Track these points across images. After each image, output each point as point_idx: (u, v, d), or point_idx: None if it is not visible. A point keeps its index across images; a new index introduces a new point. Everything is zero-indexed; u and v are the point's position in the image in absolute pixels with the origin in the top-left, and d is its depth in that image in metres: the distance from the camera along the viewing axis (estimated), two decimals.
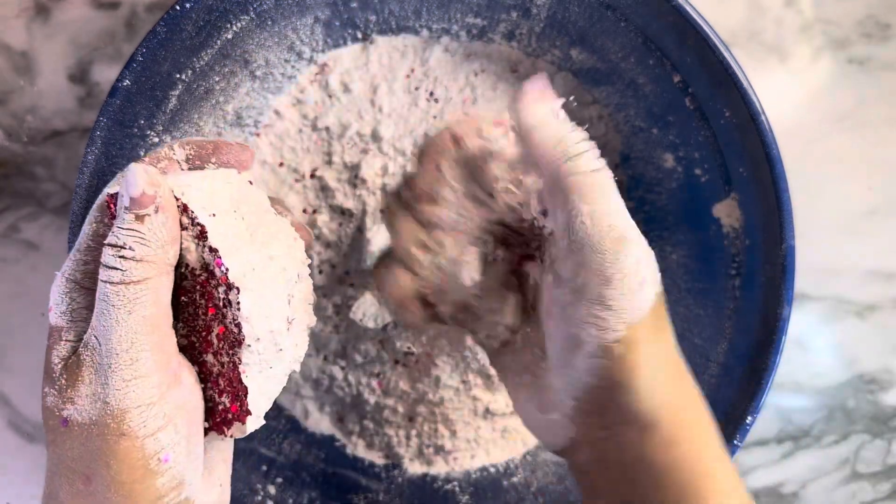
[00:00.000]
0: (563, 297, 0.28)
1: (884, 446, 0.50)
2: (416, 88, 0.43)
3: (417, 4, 0.41)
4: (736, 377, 0.38)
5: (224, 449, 0.30)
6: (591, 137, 0.44)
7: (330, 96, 0.43)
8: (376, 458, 0.45)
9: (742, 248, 0.39)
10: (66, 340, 0.27)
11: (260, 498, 0.42)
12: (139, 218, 0.26)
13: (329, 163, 0.43)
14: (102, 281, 0.25)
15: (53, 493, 0.26)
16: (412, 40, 0.43)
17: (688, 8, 0.35)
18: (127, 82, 0.36)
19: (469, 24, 0.42)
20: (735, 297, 0.39)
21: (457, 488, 0.44)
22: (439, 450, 0.44)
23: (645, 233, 0.44)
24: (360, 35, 0.42)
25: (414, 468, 0.44)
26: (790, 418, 0.49)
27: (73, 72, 0.46)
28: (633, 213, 0.44)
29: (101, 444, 0.25)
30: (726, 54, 0.36)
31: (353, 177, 0.42)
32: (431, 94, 0.43)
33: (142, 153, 0.38)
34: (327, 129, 0.43)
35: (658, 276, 0.28)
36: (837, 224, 0.49)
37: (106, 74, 0.46)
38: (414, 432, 0.44)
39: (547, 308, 0.30)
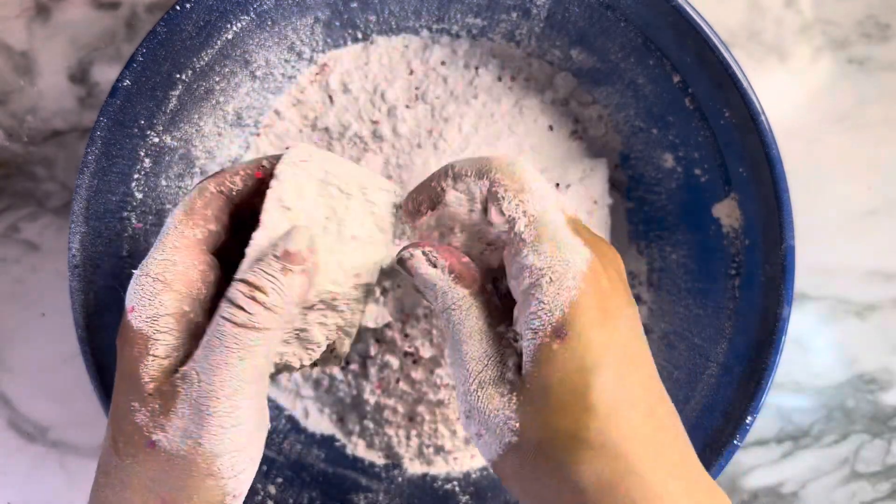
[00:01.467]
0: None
1: (883, 446, 0.50)
2: (417, 88, 0.43)
3: (417, 4, 0.41)
4: (736, 377, 0.38)
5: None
6: (591, 137, 0.44)
7: (330, 96, 0.43)
8: (376, 458, 0.45)
9: (742, 248, 0.39)
10: (153, 356, 0.26)
11: (260, 498, 0.42)
12: (285, 270, 0.26)
13: None
14: (223, 317, 0.25)
15: (125, 501, 0.26)
16: (412, 40, 0.43)
17: (688, 8, 0.35)
18: (127, 82, 0.36)
19: (469, 24, 0.42)
20: (735, 297, 0.39)
21: (457, 488, 0.44)
22: (439, 450, 0.44)
23: (645, 233, 0.44)
24: (360, 35, 0.42)
25: (414, 468, 0.44)
26: (790, 418, 0.49)
27: (73, 72, 0.46)
28: (633, 213, 0.44)
29: (185, 478, 0.25)
30: (726, 54, 0.36)
31: None
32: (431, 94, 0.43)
33: (142, 153, 0.38)
34: (327, 129, 0.43)
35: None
36: (837, 224, 0.49)
37: (106, 74, 0.46)
38: (414, 432, 0.44)
39: None
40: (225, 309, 0.25)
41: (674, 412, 0.26)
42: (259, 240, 0.27)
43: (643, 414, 0.25)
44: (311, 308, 0.29)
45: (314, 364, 0.32)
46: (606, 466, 0.24)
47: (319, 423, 0.45)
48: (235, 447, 0.26)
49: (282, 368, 0.30)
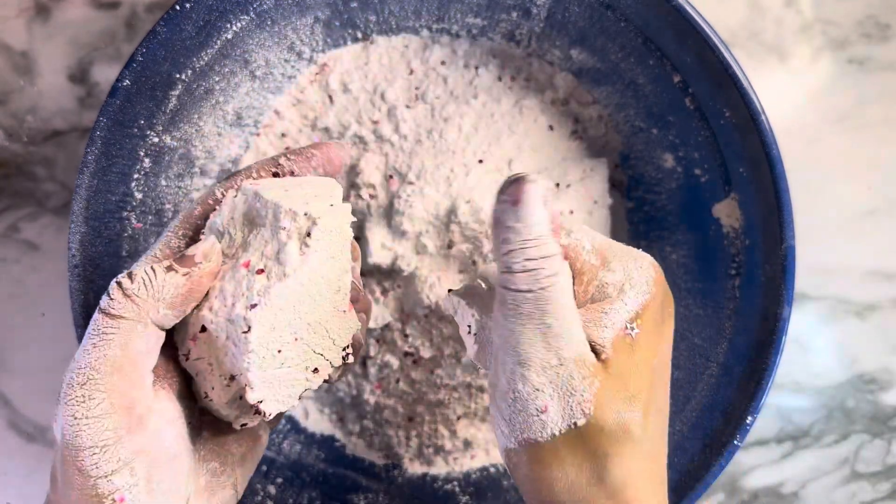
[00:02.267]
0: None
1: (883, 446, 0.50)
2: (417, 88, 0.43)
3: (417, 4, 0.41)
4: (736, 377, 0.38)
5: (230, 475, 0.30)
6: (591, 137, 0.44)
7: (330, 96, 0.43)
8: (376, 458, 0.45)
9: (742, 248, 0.39)
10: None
11: (260, 498, 0.42)
12: (168, 269, 0.26)
13: None
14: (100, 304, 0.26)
15: (49, 493, 0.27)
16: (412, 40, 0.43)
17: (688, 8, 0.35)
18: (127, 82, 0.36)
19: (469, 24, 0.42)
20: (735, 297, 0.39)
21: (457, 488, 0.44)
22: (439, 450, 0.44)
23: (645, 233, 0.44)
24: (360, 35, 0.42)
25: (414, 468, 0.44)
26: (790, 418, 0.49)
27: (73, 72, 0.46)
28: (633, 213, 0.44)
29: (67, 472, 0.25)
30: (726, 54, 0.36)
31: (353, 176, 0.42)
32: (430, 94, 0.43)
33: (142, 153, 0.38)
34: (327, 129, 0.43)
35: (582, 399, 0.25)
36: (837, 224, 0.49)
37: (106, 74, 0.46)
38: (414, 433, 0.44)
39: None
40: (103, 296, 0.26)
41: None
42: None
43: (661, 417, 0.27)
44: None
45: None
46: (643, 463, 0.26)
47: (319, 423, 0.45)
48: (94, 441, 0.24)
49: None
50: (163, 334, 0.27)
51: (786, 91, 0.48)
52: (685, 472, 0.38)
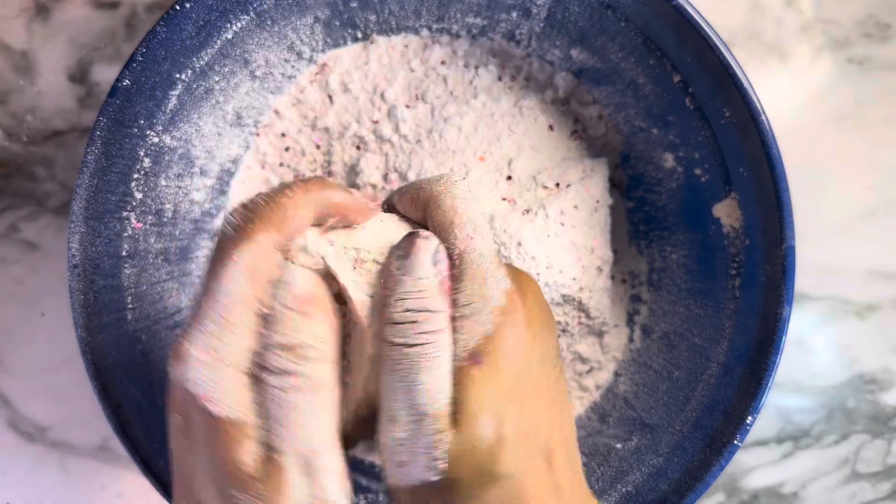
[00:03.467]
0: None
1: (884, 446, 0.50)
2: (416, 88, 0.43)
3: (417, 4, 0.41)
4: (736, 377, 0.38)
5: None
6: (591, 137, 0.44)
7: (330, 96, 0.43)
8: (376, 458, 0.45)
9: (742, 248, 0.39)
10: (249, 438, 0.25)
11: None
12: (305, 314, 0.25)
13: (329, 163, 0.43)
14: (276, 388, 0.24)
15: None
16: (412, 40, 0.43)
17: (688, 8, 0.35)
18: (127, 82, 0.36)
19: (469, 24, 0.42)
20: (735, 297, 0.39)
21: None
22: None
23: (645, 233, 0.44)
24: (360, 35, 0.42)
25: None
26: (790, 418, 0.49)
27: (73, 72, 0.46)
28: (633, 212, 0.44)
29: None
30: (726, 54, 0.36)
31: (353, 177, 0.42)
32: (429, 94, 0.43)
33: (141, 153, 0.38)
34: (327, 129, 0.43)
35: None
36: (837, 224, 0.49)
37: (106, 74, 0.46)
38: None
39: None
40: (276, 379, 0.24)
41: (569, 439, 0.28)
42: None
43: (540, 447, 0.26)
44: None
45: None
46: (507, 498, 0.25)
47: None
48: (344, 494, 0.25)
49: None
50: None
51: (786, 91, 0.48)
52: (685, 472, 0.38)
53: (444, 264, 0.26)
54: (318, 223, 0.27)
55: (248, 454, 0.24)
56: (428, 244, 0.26)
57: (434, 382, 0.25)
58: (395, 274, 0.26)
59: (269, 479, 0.24)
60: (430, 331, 0.25)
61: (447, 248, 0.27)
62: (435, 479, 0.24)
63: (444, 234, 0.27)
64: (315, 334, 0.25)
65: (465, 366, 0.25)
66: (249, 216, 0.25)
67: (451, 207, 0.27)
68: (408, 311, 0.25)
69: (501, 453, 0.25)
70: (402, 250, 0.26)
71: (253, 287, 0.25)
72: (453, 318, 0.26)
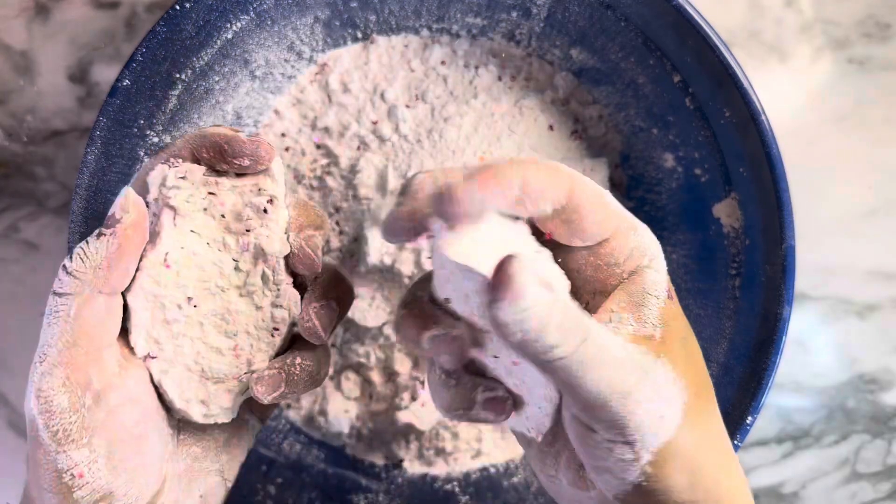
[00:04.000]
0: (574, 426, 0.25)
1: (884, 446, 0.50)
2: (416, 88, 0.43)
3: (417, 4, 0.41)
4: (736, 377, 0.38)
5: (214, 461, 0.30)
6: (591, 137, 0.44)
7: (330, 96, 0.43)
8: (376, 458, 0.45)
9: (742, 248, 0.39)
10: None
11: (260, 498, 0.42)
12: (99, 235, 0.26)
13: (329, 163, 0.43)
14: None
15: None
16: (412, 40, 0.43)
17: (688, 8, 0.35)
18: (127, 82, 0.36)
19: (469, 24, 0.42)
20: (735, 297, 0.39)
21: (457, 488, 0.44)
22: (439, 450, 0.44)
23: None
24: (360, 35, 0.42)
25: (414, 468, 0.44)
26: (790, 418, 0.49)
27: (73, 72, 0.46)
28: (633, 212, 0.44)
29: (32, 449, 0.26)
30: (726, 54, 0.36)
31: (353, 176, 0.42)
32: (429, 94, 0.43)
33: (141, 153, 0.38)
34: (327, 128, 0.43)
35: (689, 372, 0.25)
36: (837, 224, 0.49)
37: (106, 74, 0.46)
38: (414, 433, 0.44)
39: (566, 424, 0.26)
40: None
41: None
42: None
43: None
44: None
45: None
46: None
47: None
48: (52, 417, 0.25)
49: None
50: (117, 303, 0.27)
51: (786, 91, 0.48)
52: None
53: (543, 266, 0.24)
54: (208, 163, 0.28)
55: None
56: (522, 269, 0.20)
57: (616, 371, 0.23)
58: (511, 325, 0.21)
59: None
60: (585, 333, 0.22)
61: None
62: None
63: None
64: (85, 252, 0.26)
65: (668, 305, 0.25)
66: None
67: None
68: (557, 341, 0.21)
69: (687, 491, 0.24)
70: (497, 294, 0.20)
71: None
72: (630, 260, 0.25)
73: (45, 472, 0.26)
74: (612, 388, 0.22)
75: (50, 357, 0.25)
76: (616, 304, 0.25)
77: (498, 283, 0.20)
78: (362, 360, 0.43)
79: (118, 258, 0.26)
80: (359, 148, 0.42)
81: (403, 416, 0.42)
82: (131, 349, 0.28)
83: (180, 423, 0.30)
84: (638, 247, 0.25)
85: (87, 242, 0.26)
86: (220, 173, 0.28)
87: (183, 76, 0.37)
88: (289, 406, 0.45)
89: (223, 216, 0.28)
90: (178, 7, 0.35)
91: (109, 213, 0.27)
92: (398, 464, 0.44)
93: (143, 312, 0.28)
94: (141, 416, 0.27)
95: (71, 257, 0.26)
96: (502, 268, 0.20)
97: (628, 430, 0.23)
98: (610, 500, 0.25)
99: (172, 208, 0.28)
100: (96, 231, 0.27)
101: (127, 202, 0.27)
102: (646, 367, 0.23)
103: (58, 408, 0.25)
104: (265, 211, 0.28)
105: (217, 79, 0.39)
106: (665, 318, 0.25)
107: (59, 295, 0.26)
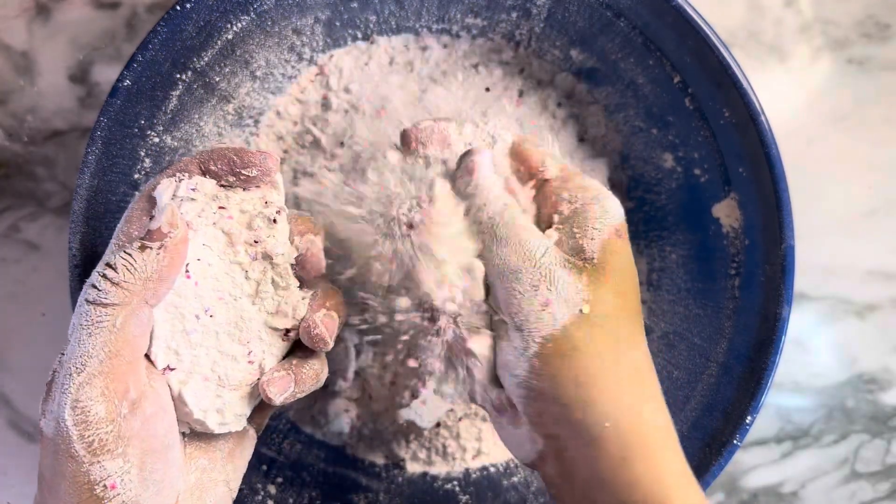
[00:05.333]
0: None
1: (883, 446, 0.50)
2: (417, 88, 0.43)
3: (417, 5, 0.41)
4: (736, 377, 0.38)
5: (220, 472, 0.30)
6: (592, 137, 0.44)
7: (330, 97, 0.43)
8: (376, 458, 0.45)
9: (742, 248, 0.39)
10: (61, 353, 0.27)
11: (260, 498, 0.42)
12: (143, 248, 0.26)
13: (328, 163, 0.43)
14: (82, 298, 0.26)
15: (37, 494, 0.27)
16: (412, 40, 0.43)
17: (688, 8, 0.36)
18: (127, 82, 0.36)
19: (469, 25, 0.42)
20: (735, 296, 0.39)
21: (457, 488, 0.44)
22: (440, 450, 0.44)
23: (645, 233, 0.44)
24: (360, 35, 0.42)
25: (414, 468, 0.44)
26: (790, 418, 0.50)
27: (73, 72, 0.46)
28: (633, 213, 0.44)
29: (57, 462, 0.25)
30: (726, 54, 0.36)
31: (352, 176, 0.42)
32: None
33: (142, 153, 0.38)
34: (327, 129, 0.43)
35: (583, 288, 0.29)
36: (837, 224, 0.49)
37: (106, 74, 0.46)
38: (414, 433, 0.44)
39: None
40: (83, 290, 0.26)
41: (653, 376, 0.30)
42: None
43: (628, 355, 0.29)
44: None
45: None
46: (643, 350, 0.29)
47: None
48: (88, 428, 0.25)
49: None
50: (153, 316, 0.28)
51: (785, 91, 0.48)
52: None
53: (501, 165, 0.32)
54: (216, 177, 0.29)
55: (55, 365, 0.28)
56: (484, 157, 0.31)
57: (533, 234, 0.29)
58: (467, 191, 0.30)
59: (48, 386, 0.27)
60: (514, 213, 0.30)
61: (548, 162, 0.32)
62: (585, 309, 0.28)
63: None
64: (133, 264, 0.26)
65: (612, 237, 0.29)
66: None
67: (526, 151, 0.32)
68: (489, 217, 0.30)
69: (584, 402, 0.27)
70: (464, 170, 0.31)
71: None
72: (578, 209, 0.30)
73: (72, 485, 0.25)
74: (510, 264, 0.29)
75: (90, 367, 0.25)
76: (563, 225, 0.30)
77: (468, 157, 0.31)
78: (362, 361, 0.43)
79: (169, 271, 0.27)
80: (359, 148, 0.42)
81: (404, 415, 0.42)
82: (151, 361, 0.28)
83: (187, 437, 0.30)
84: (582, 185, 0.31)
85: (130, 255, 0.26)
86: (226, 188, 0.29)
87: (183, 76, 0.37)
88: (289, 406, 0.45)
89: (230, 229, 0.29)
90: (178, 7, 0.35)
91: (152, 227, 0.27)
92: (398, 463, 0.44)
93: (164, 324, 0.28)
94: (170, 425, 0.28)
95: (112, 267, 0.26)
96: (471, 152, 0.31)
97: (512, 308, 0.28)
98: (531, 435, 0.29)
99: (186, 223, 0.28)
100: (136, 244, 0.27)
101: (174, 217, 0.27)
102: (550, 264, 0.28)
103: (94, 418, 0.25)
104: (274, 221, 0.29)
105: (217, 79, 0.39)
106: (606, 249, 0.29)
107: (103, 305, 0.26)
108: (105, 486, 0.25)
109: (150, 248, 0.26)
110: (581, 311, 0.28)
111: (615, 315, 0.28)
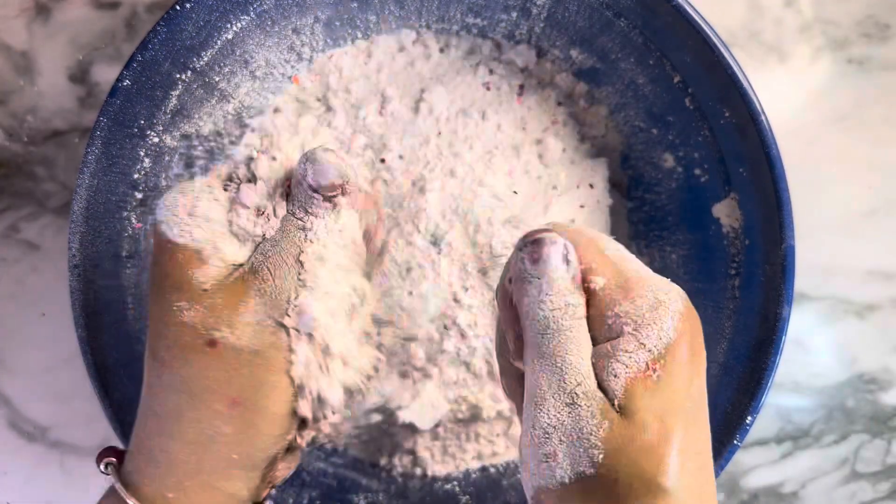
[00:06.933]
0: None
1: (883, 446, 0.50)
2: (417, 88, 0.43)
3: (417, 4, 0.41)
4: (736, 377, 0.38)
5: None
6: (591, 137, 0.44)
7: (330, 97, 0.43)
8: (376, 458, 0.45)
9: (742, 248, 0.39)
10: (203, 262, 0.26)
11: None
12: (328, 199, 0.29)
13: None
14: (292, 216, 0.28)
15: (173, 412, 0.25)
16: (412, 40, 0.43)
17: (688, 8, 0.36)
18: (127, 82, 0.36)
19: (469, 24, 0.42)
20: (735, 296, 0.39)
21: (457, 488, 0.44)
22: (440, 450, 0.44)
23: (645, 233, 0.44)
24: (360, 35, 0.42)
25: (414, 468, 0.44)
26: (790, 418, 0.49)
27: (73, 72, 0.46)
28: (633, 213, 0.44)
29: (261, 375, 0.25)
30: (726, 54, 0.36)
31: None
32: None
33: (142, 153, 0.38)
34: (327, 129, 0.43)
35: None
36: (837, 224, 0.49)
37: (106, 74, 0.46)
38: (414, 433, 0.44)
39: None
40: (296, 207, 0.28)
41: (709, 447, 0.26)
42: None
43: (700, 462, 0.25)
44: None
45: None
46: None
47: None
48: (316, 324, 0.26)
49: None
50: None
51: (786, 91, 0.48)
52: None
53: (575, 262, 0.26)
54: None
55: (203, 273, 0.26)
56: (557, 246, 0.26)
57: (582, 363, 0.24)
58: (529, 276, 0.26)
59: (226, 296, 0.25)
60: (573, 319, 0.25)
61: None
62: (590, 471, 0.23)
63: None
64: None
65: (642, 376, 0.24)
66: None
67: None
68: (553, 309, 0.25)
69: (666, 459, 0.23)
70: (531, 254, 0.26)
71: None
72: (631, 326, 0.25)
73: (282, 396, 0.26)
74: (541, 384, 0.25)
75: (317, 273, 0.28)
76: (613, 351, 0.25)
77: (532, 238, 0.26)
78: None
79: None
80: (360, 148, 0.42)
81: (403, 416, 0.42)
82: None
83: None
84: (635, 297, 0.26)
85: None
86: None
87: (183, 76, 0.37)
88: None
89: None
90: (178, 7, 0.35)
91: (324, 183, 0.28)
92: (398, 463, 0.44)
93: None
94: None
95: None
96: (541, 233, 0.26)
97: (521, 441, 0.25)
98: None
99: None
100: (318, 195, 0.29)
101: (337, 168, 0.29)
102: (577, 414, 0.24)
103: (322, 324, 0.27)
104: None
105: (217, 79, 0.39)
106: (636, 393, 0.24)
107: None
108: (302, 416, 0.27)
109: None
110: (584, 472, 0.23)
111: (626, 481, 0.23)
